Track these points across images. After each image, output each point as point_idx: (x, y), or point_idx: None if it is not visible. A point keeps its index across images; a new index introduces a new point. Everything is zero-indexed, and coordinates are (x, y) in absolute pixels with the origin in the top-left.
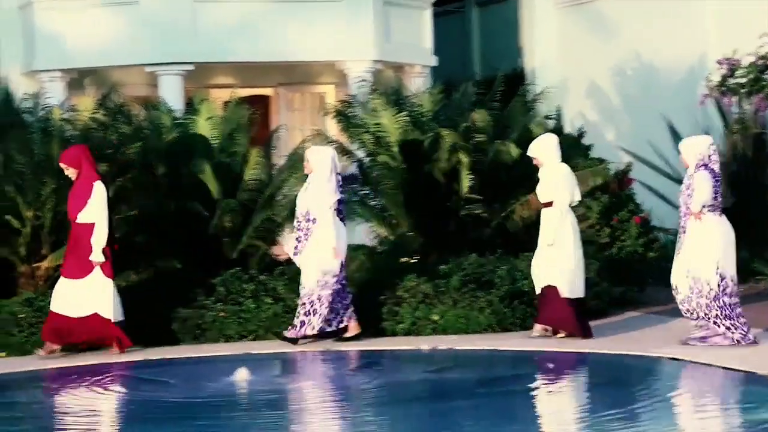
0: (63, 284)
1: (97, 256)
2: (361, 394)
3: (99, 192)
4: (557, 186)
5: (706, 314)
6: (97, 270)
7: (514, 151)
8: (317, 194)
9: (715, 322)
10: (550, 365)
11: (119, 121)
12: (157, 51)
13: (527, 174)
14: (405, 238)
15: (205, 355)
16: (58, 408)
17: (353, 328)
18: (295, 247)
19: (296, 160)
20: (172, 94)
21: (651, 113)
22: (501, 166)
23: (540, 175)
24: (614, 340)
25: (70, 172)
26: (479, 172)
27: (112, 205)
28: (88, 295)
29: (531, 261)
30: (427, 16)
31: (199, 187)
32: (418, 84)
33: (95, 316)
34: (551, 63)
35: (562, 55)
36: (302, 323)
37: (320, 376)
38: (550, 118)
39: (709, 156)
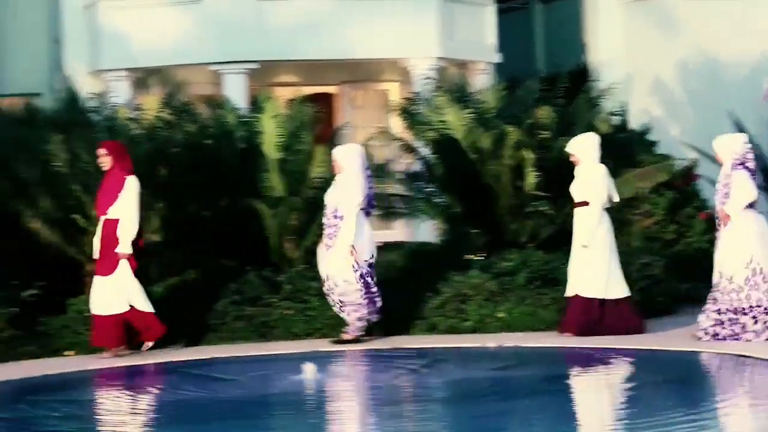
0: (98, 283)
1: (124, 248)
2: (427, 391)
3: (133, 186)
4: (595, 186)
5: (733, 309)
6: (124, 264)
7: None
8: (345, 192)
9: (745, 314)
10: (617, 362)
11: (184, 119)
12: (222, 50)
13: None
14: (470, 235)
15: (272, 352)
16: (122, 407)
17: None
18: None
19: None
20: (236, 92)
21: (716, 109)
22: (566, 163)
23: (576, 173)
24: (679, 337)
25: (106, 161)
26: (544, 168)
27: (178, 203)
28: (121, 290)
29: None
30: (490, 13)
31: (264, 185)
32: (481, 81)
33: (133, 309)
34: (616, 59)
35: (627, 50)
36: (358, 319)
37: (387, 374)
38: (615, 115)
39: (745, 154)
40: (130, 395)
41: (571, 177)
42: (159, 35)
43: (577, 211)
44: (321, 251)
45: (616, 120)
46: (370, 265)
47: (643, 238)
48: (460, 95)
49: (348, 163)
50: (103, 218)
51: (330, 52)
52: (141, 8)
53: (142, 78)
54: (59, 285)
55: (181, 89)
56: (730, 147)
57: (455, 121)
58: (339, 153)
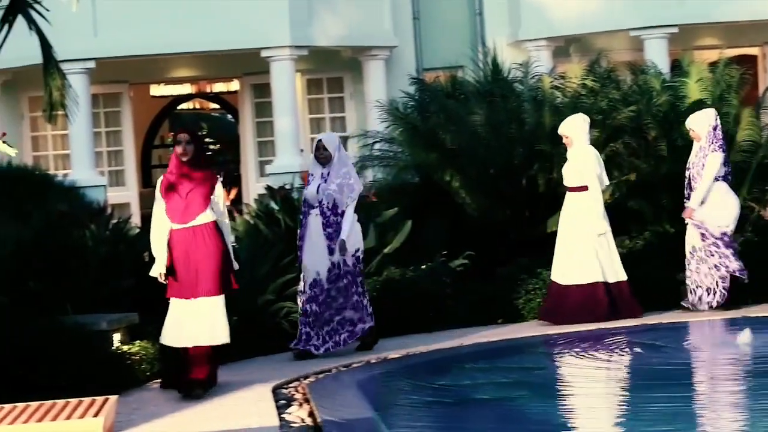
0: (208, 306)
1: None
2: None
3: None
4: (592, 169)
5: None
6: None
7: None
8: (343, 184)
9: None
10: None
11: (608, 86)
12: (642, 15)
13: None
14: None
15: (700, 319)
16: (557, 373)
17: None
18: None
19: None
20: (657, 57)
21: None
22: None
23: (569, 156)
24: None
25: (188, 150)
26: None
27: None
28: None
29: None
30: None
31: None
32: None
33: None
34: None
35: None
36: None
37: None
38: None
39: (715, 127)
40: (569, 361)
41: None
42: (578, 3)
43: (571, 195)
44: (310, 251)
45: None
46: (360, 261)
47: None
48: None
49: (339, 153)
50: (179, 226)
51: (752, 12)
52: None
53: (562, 47)
54: (487, 253)
55: (603, 56)
56: (706, 121)
57: None
58: (328, 141)
